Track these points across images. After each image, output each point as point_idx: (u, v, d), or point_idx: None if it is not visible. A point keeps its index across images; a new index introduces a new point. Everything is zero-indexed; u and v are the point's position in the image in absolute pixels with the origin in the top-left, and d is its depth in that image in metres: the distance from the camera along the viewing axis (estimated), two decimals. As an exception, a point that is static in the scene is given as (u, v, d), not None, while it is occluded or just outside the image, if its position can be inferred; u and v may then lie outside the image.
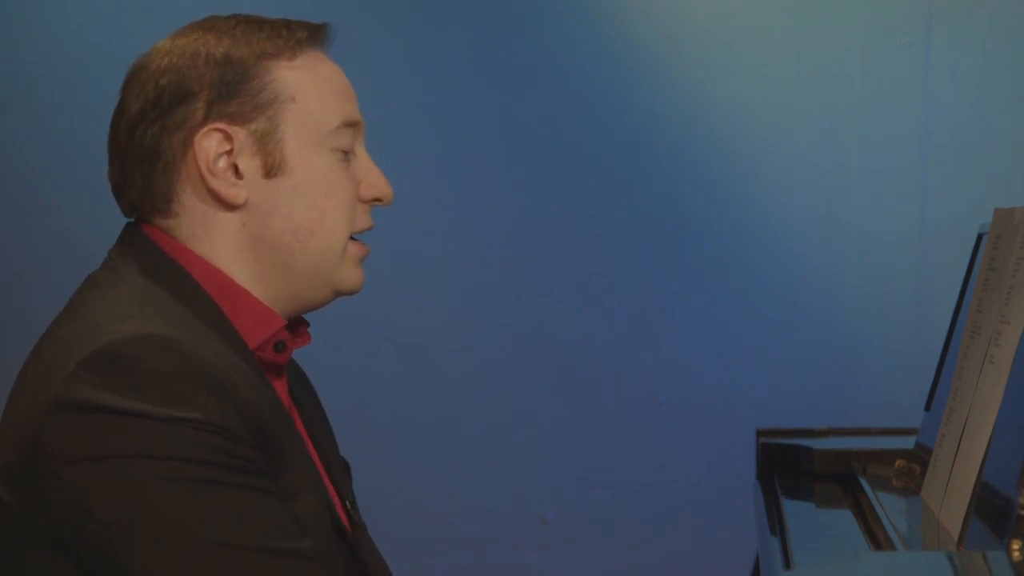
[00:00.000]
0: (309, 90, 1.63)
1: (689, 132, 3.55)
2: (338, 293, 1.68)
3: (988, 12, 3.45)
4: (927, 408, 2.19)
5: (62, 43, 3.58)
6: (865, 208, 3.51)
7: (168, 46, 1.63)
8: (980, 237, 2.11)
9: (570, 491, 3.61)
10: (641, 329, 3.58)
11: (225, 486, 1.47)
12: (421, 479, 3.59)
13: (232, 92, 1.60)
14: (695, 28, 3.53)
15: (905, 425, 2.44)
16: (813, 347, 3.54)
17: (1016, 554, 1.48)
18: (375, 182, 1.68)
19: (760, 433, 2.52)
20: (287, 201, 1.62)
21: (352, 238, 1.67)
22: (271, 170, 1.61)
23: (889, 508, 1.97)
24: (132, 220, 1.66)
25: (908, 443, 2.22)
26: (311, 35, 1.66)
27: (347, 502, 1.74)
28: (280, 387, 1.68)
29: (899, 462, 2.19)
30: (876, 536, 1.90)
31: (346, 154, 1.66)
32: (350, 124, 1.66)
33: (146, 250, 1.61)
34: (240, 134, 1.60)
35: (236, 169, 1.60)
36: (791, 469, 2.41)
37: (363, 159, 1.69)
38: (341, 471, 1.78)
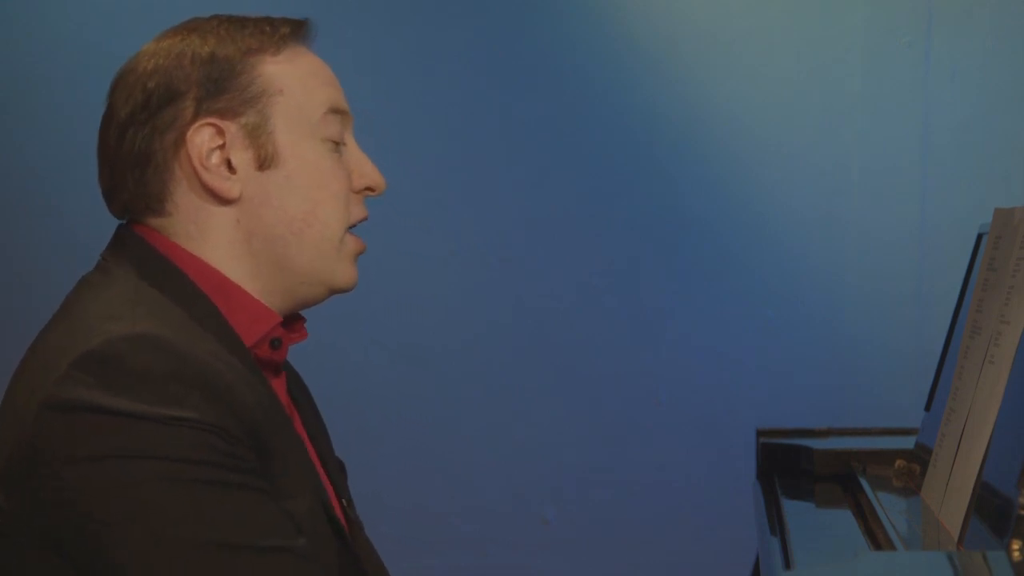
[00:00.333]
0: (294, 82, 1.64)
1: (689, 132, 3.55)
2: (332, 290, 1.68)
3: (988, 12, 3.45)
4: (927, 408, 2.19)
5: (62, 43, 3.58)
6: (865, 208, 3.51)
7: (153, 49, 1.64)
8: (980, 237, 2.11)
9: (570, 491, 3.61)
10: (641, 329, 3.58)
11: (221, 485, 1.47)
12: (421, 479, 3.59)
13: (220, 88, 1.61)
14: (695, 28, 3.53)
15: (905, 425, 2.44)
16: (813, 347, 3.54)
17: (1016, 554, 1.48)
18: (366, 171, 1.69)
19: (760, 433, 2.52)
20: (280, 193, 1.63)
21: (349, 232, 1.67)
22: (264, 162, 1.62)
23: (889, 508, 1.97)
24: (124, 222, 1.66)
25: (908, 443, 2.22)
26: (293, 31, 1.67)
27: (343, 501, 1.74)
28: (279, 385, 1.68)
29: (899, 462, 2.19)
30: (876, 536, 1.90)
31: (337, 145, 1.67)
32: (336, 111, 1.67)
33: (139, 251, 1.61)
34: (231, 128, 1.61)
35: (229, 164, 1.61)
36: (791, 469, 2.41)
37: (353, 150, 1.70)
38: (337, 471, 1.78)
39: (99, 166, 1.66)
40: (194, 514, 1.45)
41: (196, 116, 1.60)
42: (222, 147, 1.61)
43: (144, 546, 1.45)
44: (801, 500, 2.26)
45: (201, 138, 1.60)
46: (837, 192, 3.52)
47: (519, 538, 3.61)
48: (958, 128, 3.47)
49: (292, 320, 1.70)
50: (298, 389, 1.80)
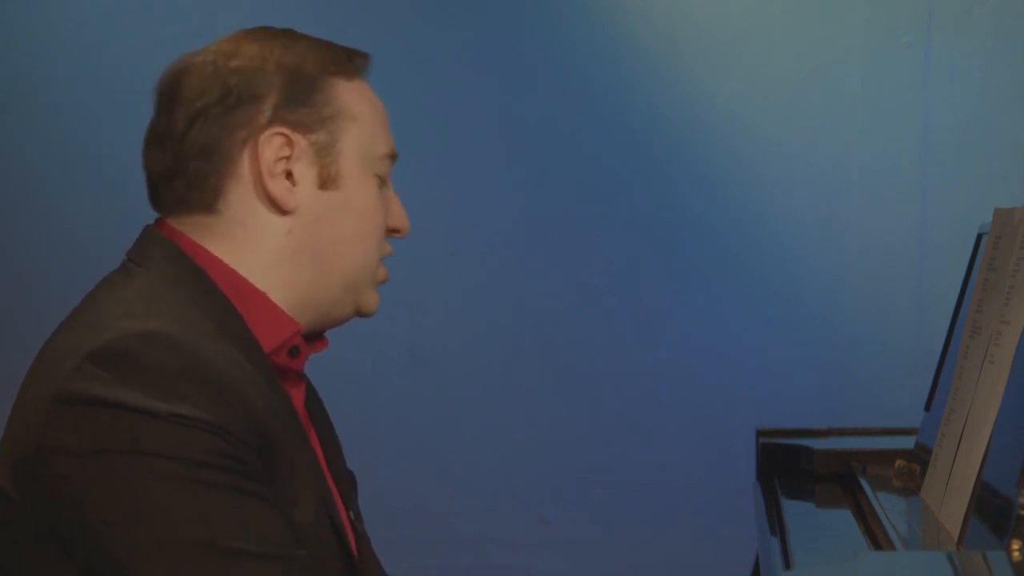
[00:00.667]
0: (366, 115, 1.68)
1: (689, 132, 3.55)
2: (358, 312, 1.72)
3: (988, 12, 3.45)
4: (927, 408, 2.19)
5: (62, 43, 3.58)
6: (865, 208, 3.51)
7: (232, 48, 1.66)
8: (980, 237, 2.11)
9: (570, 491, 3.61)
10: (641, 329, 3.58)
11: (225, 489, 1.47)
12: (421, 479, 3.59)
13: (299, 101, 1.63)
14: (695, 28, 3.53)
15: (905, 425, 2.44)
16: (813, 347, 3.54)
17: (1016, 554, 1.49)
18: (398, 213, 1.73)
19: (760, 433, 2.52)
20: (335, 214, 1.65)
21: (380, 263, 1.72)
22: (325, 182, 1.65)
23: (889, 508, 1.97)
24: (151, 222, 1.67)
25: (908, 443, 2.23)
26: (363, 64, 1.71)
27: (351, 513, 1.74)
28: (296, 395, 1.69)
29: (899, 462, 2.19)
30: (876, 536, 1.90)
31: (383, 182, 1.70)
32: (393, 157, 1.72)
33: (162, 251, 1.62)
34: (301, 142, 1.63)
35: (291, 176, 1.63)
36: (791, 469, 2.42)
37: (391, 190, 1.73)
38: (348, 484, 1.79)
39: (149, 152, 1.66)
40: (195, 516, 1.46)
41: (271, 123, 1.62)
42: (288, 158, 1.63)
43: (143, 545, 1.45)
44: (801, 500, 2.26)
45: (271, 146, 1.62)
46: (837, 192, 3.52)
47: (519, 538, 3.61)
48: (958, 128, 3.47)
49: (314, 338, 1.72)
50: (314, 402, 1.80)
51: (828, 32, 3.50)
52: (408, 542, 3.47)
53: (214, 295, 1.59)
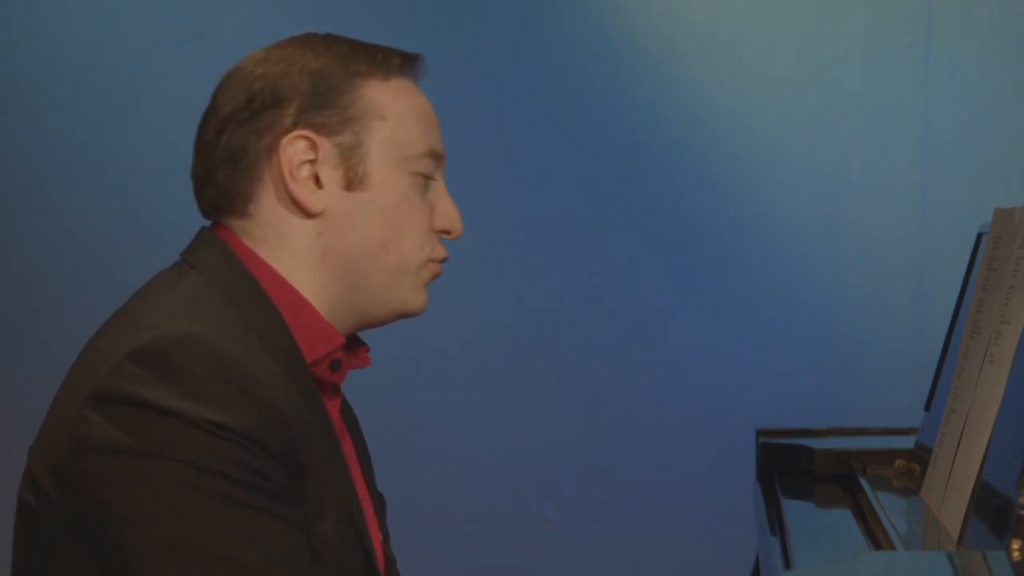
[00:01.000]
0: (398, 113, 1.66)
1: (689, 132, 3.55)
2: (401, 314, 1.71)
3: (988, 12, 3.45)
4: (927, 408, 2.19)
5: (62, 43, 3.58)
6: (865, 208, 3.51)
7: (264, 55, 1.66)
8: (980, 237, 2.11)
9: (570, 491, 3.61)
10: (641, 329, 3.58)
11: (243, 505, 1.47)
12: (421, 479, 3.58)
13: (322, 103, 1.63)
14: (695, 28, 3.53)
15: (905, 425, 2.44)
16: (813, 347, 3.54)
17: (1016, 554, 1.49)
18: (448, 213, 1.71)
19: (760, 433, 2.52)
20: (362, 216, 1.64)
21: (432, 262, 1.70)
22: (351, 183, 1.64)
23: (889, 508, 1.97)
24: (208, 224, 1.68)
25: (908, 443, 2.23)
26: (405, 63, 1.70)
27: (381, 534, 1.75)
28: (332, 408, 1.69)
29: (899, 462, 2.19)
30: (876, 536, 1.90)
31: (427, 180, 1.69)
32: (434, 156, 1.69)
33: (217, 254, 1.62)
34: (325, 144, 1.63)
35: (317, 178, 1.63)
36: (791, 469, 2.42)
37: (440, 190, 1.71)
38: (379, 504, 1.80)
39: (194, 159, 1.67)
40: (210, 526, 1.45)
41: (295, 126, 1.62)
42: (313, 161, 1.62)
43: (154, 548, 1.45)
44: (801, 500, 2.26)
45: (294, 149, 1.62)
46: (837, 192, 3.52)
47: (519, 538, 3.61)
48: (958, 128, 3.47)
49: (355, 345, 1.72)
50: (349, 417, 1.81)
51: (828, 32, 3.50)
52: (407, 542, 3.46)
53: (263, 303, 1.60)
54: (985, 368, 1.81)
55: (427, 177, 1.69)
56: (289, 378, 1.56)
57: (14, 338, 3.53)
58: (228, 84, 1.65)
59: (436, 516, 3.60)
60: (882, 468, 2.25)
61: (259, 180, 1.63)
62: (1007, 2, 3.44)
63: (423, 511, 3.58)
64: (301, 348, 1.61)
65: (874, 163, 3.51)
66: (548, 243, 3.59)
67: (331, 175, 1.63)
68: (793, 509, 2.16)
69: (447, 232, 1.71)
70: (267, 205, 1.63)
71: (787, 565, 1.85)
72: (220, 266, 1.61)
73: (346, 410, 1.80)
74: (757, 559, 2.34)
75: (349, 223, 1.64)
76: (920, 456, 2.10)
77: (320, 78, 1.63)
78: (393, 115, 1.66)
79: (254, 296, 1.60)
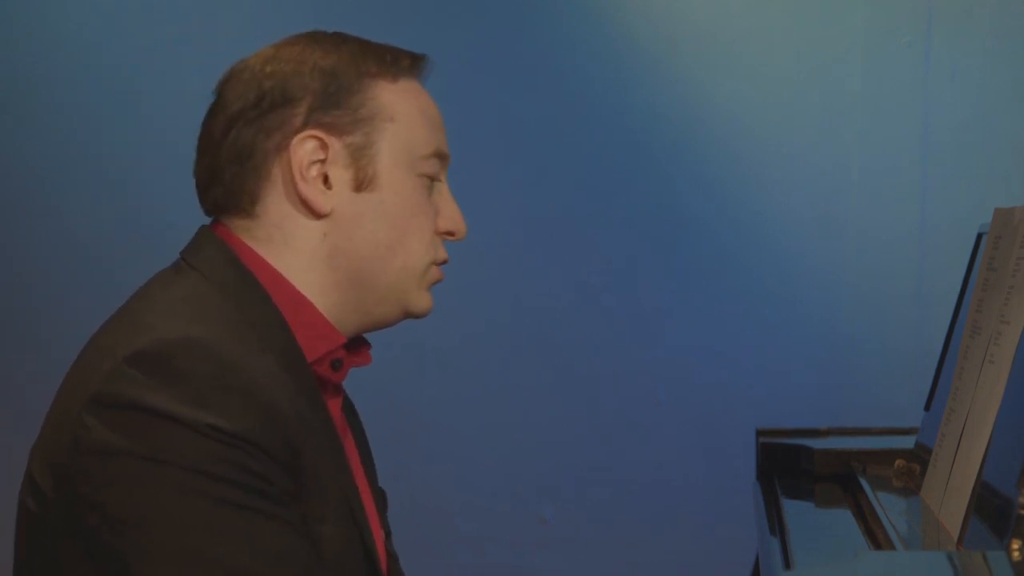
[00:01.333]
0: (407, 115, 1.66)
1: (689, 132, 3.55)
2: (407, 314, 1.71)
3: (988, 12, 3.45)
4: (927, 408, 2.19)
5: (62, 43, 3.58)
6: (865, 208, 3.51)
7: (272, 53, 1.65)
8: (980, 237, 2.11)
9: (568, 490, 3.61)
10: (640, 328, 3.58)
11: (241, 508, 1.46)
12: (419, 478, 3.59)
13: (333, 103, 1.62)
14: (695, 28, 3.53)
15: (905, 425, 2.44)
16: (813, 347, 3.54)
17: (1016, 554, 1.49)
18: (452, 215, 1.71)
19: (760, 433, 2.52)
20: (372, 217, 1.64)
21: (435, 266, 1.70)
22: (361, 184, 1.63)
23: (889, 508, 1.97)
24: (208, 222, 1.67)
25: (908, 443, 2.23)
26: (413, 63, 1.70)
27: (383, 531, 1.75)
28: (334, 406, 1.68)
29: (899, 462, 2.19)
30: (876, 536, 1.90)
31: (432, 181, 1.69)
32: (441, 156, 1.69)
33: (217, 253, 1.62)
34: (335, 144, 1.62)
35: (326, 179, 1.62)
36: (791, 469, 2.42)
37: (444, 192, 1.71)
38: (380, 500, 1.80)
39: (197, 156, 1.66)
40: (208, 530, 1.45)
41: (305, 125, 1.61)
42: (323, 161, 1.62)
43: (152, 552, 1.45)
44: (801, 500, 2.26)
45: (304, 149, 1.61)
46: (837, 192, 3.52)
47: (517, 537, 3.61)
48: (958, 128, 3.47)
49: (358, 344, 1.71)
50: (351, 414, 1.81)
51: (828, 32, 3.50)
52: (406, 541, 3.46)
53: (262, 302, 1.59)
54: (985, 368, 1.81)
55: (432, 178, 1.68)
56: (289, 377, 1.56)
57: (14, 338, 3.52)
58: (235, 81, 1.64)
59: (435, 514, 3.60)
60: (882, 468, 2.25)
61: (267, 179, 1.62)
62: (1007, 2, 3.44)
63: (422, 509, 3.58)
64: (302, 347, 1.60)
65: (874, 163, 3.51)
66: (547, 242, 3.59)
67: (340, 175, 1.63)
68: (793, 509, 2.16)
69: (451, 234, 1.71)
70: (274, 205, 1.62)
71: (787, 565, 1.85)
72: (220, 265, 1.61)
73: (348, 407, 1.80)
74: (757, 559, 2.34)
75: (357, 224, 1.63)
76: (920, 456, 2.10)
77: (331, 78, 1.63)
78: (402, 116, 1.66)
79: (254, 295, 1.59)
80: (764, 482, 2.41)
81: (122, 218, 3.52)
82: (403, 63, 1.68)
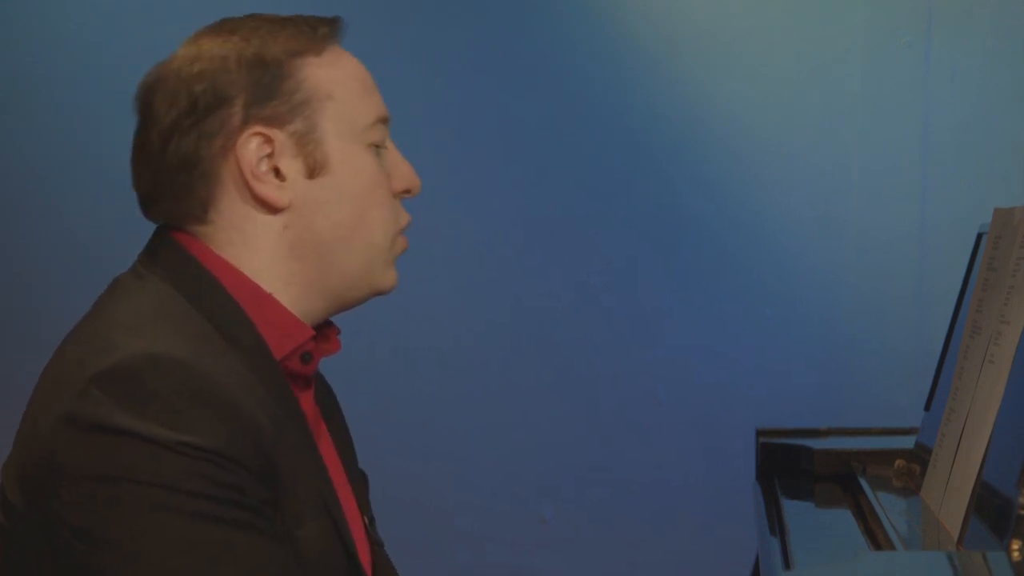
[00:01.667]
0: (342, 88, 1.62)
1: (689, 132, 3.55)
2: (375, 292, 1.66)
3: (988, 12, 3.45)
4: (927, 408, 2.19)
5: (62, 43, 3.58)
6: (865, 208, 3.51)
7: (192, 52, 1.61)
8: (980, 237, 2.11)
9: (568, 490, 3.61)
10: (640, 328, 3.58)
11: (219, 521, 1.45)
12: (419, 477, 3.58)
13: (268, 94, 1.58)
14: (695, 28, 3.53)
15: (905, 425, 2.44)
16: (812, 347, 3.54)
17: (1016, 554, 1.49)
18: (403, 173, 1.67)
19: (760, 433, 2.52)
20: (330, 200, 1.61)
21: (400, 235, 1.67)
22: (313, 170, 1.60)
23: (889, 508, 1.97)
24: (162, 225, 1.64)
25: (908, 443, 2.23)
26: (332, 30, 1.64)
27: (366, 518, 1.73)
28: (306, 399, 1.66)
29: (899, 462, 2.19)
30: (876, 536, 1.90)
31: (379, 148, 1.65)
32: (383, 120, 1.66)
33: (175, 257, 1.59)
34: (279, 136, 1.58)
35: (278, 172, 1.59)
36: (791, 469, 2.42)
37: (392, 152, 1.68)
38: (361, 484, 1.77)
39: (135, 171, 1.64)
40: (188, 548, 1.43)
41: (245, 123, 1.58)
42: (271, 156, 1.58)
43: (131, 572, 1.43)
44: (801, 500, 2.26)
45: (250, 148, 1.57)
46: (837, 192, 3.52)
47: (517, 537, 3.61)
48: (958, 128, 3.47)
49: (324, 328, 1.68)
50: (327, 400, 1.78)
51: (828, 32, 3.50)
52: (405, 541, 3.46)
53: (225, 303, 1.57)
54: (985, 368, 1.81)
55: (379, 146, 1.65)
56: (257, 378, 1.54)
57: (14, 338, 3.52)
58: (160, 90, 1.60)
59: (434, 514, 3.60)
60: (882, 468, 2.25)
61: (217, 185, 1.59)
62: (1007, 2, 3.44)
63: (421, 509, 3.58)
64: (269, 345, 1.58)
65: (874, 163, 3.51)
66: (547, 242, 3.59)
67: (291, 165, 1.59)
68: (793, 509, 2.16)
69: (408, 191, 1.68)
70: (229, 208, 1.59)
71: (787, 565, 1.85)
72: (180, 269, 1.58)
73: (322, 394, 1.76)
74: (757, 559, 2.34)
75: (317, 210, 1.60)
76: (920, 456, 2.10)
77: (260, 67, 1.58)
78: (338, 91, 1.61)
79: (217, 297, 1.57)
80: (764, 482, 2.41)
81: (122, 218, 3.50)
82: (321, 31, 1.63)
